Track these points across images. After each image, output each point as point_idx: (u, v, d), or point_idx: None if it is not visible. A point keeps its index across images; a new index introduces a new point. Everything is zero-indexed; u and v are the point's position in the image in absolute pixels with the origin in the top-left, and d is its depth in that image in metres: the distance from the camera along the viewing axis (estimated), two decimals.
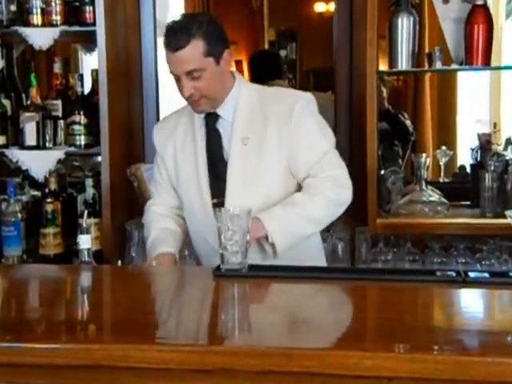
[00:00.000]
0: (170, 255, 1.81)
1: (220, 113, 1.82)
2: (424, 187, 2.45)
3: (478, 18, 2.34)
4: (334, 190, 1.77)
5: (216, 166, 1.82)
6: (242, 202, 1.69)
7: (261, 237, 1.72)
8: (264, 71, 3.23)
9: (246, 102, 1.81)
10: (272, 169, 1.78)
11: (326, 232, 2.57)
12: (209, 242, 1.82)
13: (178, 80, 1.75)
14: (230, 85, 1.82)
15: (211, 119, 1.83)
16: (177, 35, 1.69)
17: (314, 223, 1.79)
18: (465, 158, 2.70)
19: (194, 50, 1.70)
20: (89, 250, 1.71)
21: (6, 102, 2.47)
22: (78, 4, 2.43)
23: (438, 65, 2.41)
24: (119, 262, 2.40)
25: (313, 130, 1.80)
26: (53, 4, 2.40)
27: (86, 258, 1.70)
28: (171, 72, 1.76)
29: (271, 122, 1.77)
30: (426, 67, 2.49)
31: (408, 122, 2.94)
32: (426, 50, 2.55)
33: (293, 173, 1.80)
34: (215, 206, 1.79)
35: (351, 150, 2.63)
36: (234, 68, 2.21)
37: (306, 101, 1.80)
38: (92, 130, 2.46)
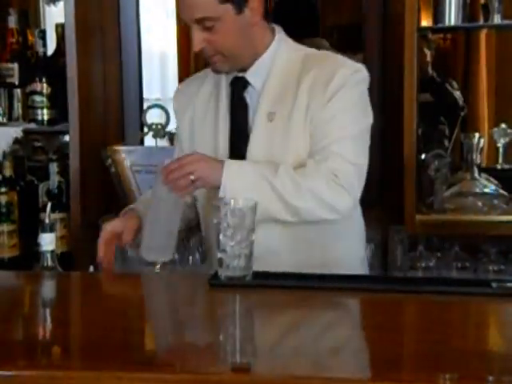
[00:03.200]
0: (134, 213, 1.82)
1: (249, 78, 1.82)
2: (476, 175, 2.44)
3: None
4: (331, 187, 1.70)
5: (239, 145, 1.81)
6: None
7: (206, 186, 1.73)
8: (295, 26, 3.13)
9: (282, 67, 1.80)
10: (298, 152, 1.76)
11: None
12: None
13: (189, 28, 1.74)
14: (265, 43, 1.81)
15: (238, 86, 1.83)
16: None
17: (290, 210, 1.70)
18: None
19: None
20: (53, 252, 1.71)
21: None
22: None
23: (497, 18, 2.39)
24: (91, 268, 2.40)
25: (347, 108, 1.75)
26: None
27: (50, 263, 1.70)
28: (182, 19, 1.75)
29: (303, 94, 1.76)
30: (481, 22, 2.47)
31: (457, 93, 2.93)
32: (482, 0, 2.53)
33: None
34: None
35: (384, 128, 2.62)
36: None
37: (352, 72, 1.76)
38: (57, 101, 2.46)
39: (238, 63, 1.79)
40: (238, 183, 1.68)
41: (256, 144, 1.79)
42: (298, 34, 2.87)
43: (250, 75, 1.81)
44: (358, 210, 1.91)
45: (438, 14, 2.41)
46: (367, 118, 1.81)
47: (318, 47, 2.06)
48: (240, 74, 1.82)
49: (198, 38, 1.71)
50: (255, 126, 1.80)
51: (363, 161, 1.77)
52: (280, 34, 1.84)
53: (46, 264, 1.70)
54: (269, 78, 1.80)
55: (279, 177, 1.69)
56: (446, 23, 2.40)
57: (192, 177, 1.65)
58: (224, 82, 1.86)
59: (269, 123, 1.78)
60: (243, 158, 1.79)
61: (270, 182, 1.69)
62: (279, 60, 1.81)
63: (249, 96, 1.83)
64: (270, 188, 1.69)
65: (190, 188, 1.68)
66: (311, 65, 1.78)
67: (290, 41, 1.87)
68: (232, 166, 1.70)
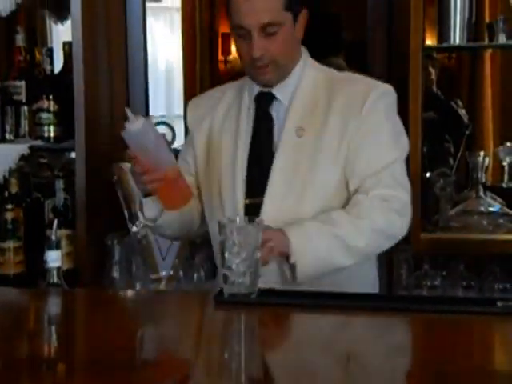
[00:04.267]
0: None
1: (276, 93, 1.83)
2: (482, 194, 2.43)
3: None
4: (386, 215, 1.75)
5: (259, 159, 1.82)
6: (282, 210, 1.72)
7: (281, 255, 1.71)
8: (318, 44, 3.07)
9: (309, 85, 1.83)
10: (328, 173, 1.77)
11: None
12: None
13: (242, 37, 1.75)
14: (297, 59, 1.85)
15: (264, 100, 1.85)
16: None
17: (352, 253, 1.74)
18: None
19: None
20: (58, 269, 1.71)
21: None
22: None
23: (502, 38, 2.40)
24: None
25: (385, 130, 1.79)
26: None
27: (55, 280, 1.70)
28: (235, 26, 1.75)
29: (336, 112, 1.78)
30: (486, 42, 2.48)
31: (462, 111, 2.94)
32: (487, 20, 2.55)
33: (347, 180, 1.78)
34: (248, 208, 1.78)
35: None
36: None
37: (384, 91, 1.81)
38: (64, 118, 2.46)
39: (283, 74, 1.82)
40: (306, 246, 1.69)
41: (282, 159, 1.79)
42: (322, 52, 2.82)
43: (277, 90, 1.83)
44: None
45: (443, 33, 2.42)
46: (404, 136, 1.86)
47: (337, 66, 2.08)
48: (266, 90, 1.84)
49: (260, 44, 1.73)
50: (282, 140, 1.80)
51: (408, 179, 1.84)
52: (305, 54, 1.88)
53: (51, 281, 1.70)
54: (296, 94, 1.82)
55: (341, 227, 1.72)
56: (451, 42, 2.41)
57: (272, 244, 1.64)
58: (247, 95, 1.87)
59: (297, 139, 1.79)
60: (266, 175, 1.79)
61: (334, 237, 1.71)
62: (306, 78, 1.84)
63: (275, 111, 1.84)
64: (336, 242, 1.72)
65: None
66: (342, 85, 1.82)
67: (313, 60, 1.90)
68: (296, 231, 1.70)
